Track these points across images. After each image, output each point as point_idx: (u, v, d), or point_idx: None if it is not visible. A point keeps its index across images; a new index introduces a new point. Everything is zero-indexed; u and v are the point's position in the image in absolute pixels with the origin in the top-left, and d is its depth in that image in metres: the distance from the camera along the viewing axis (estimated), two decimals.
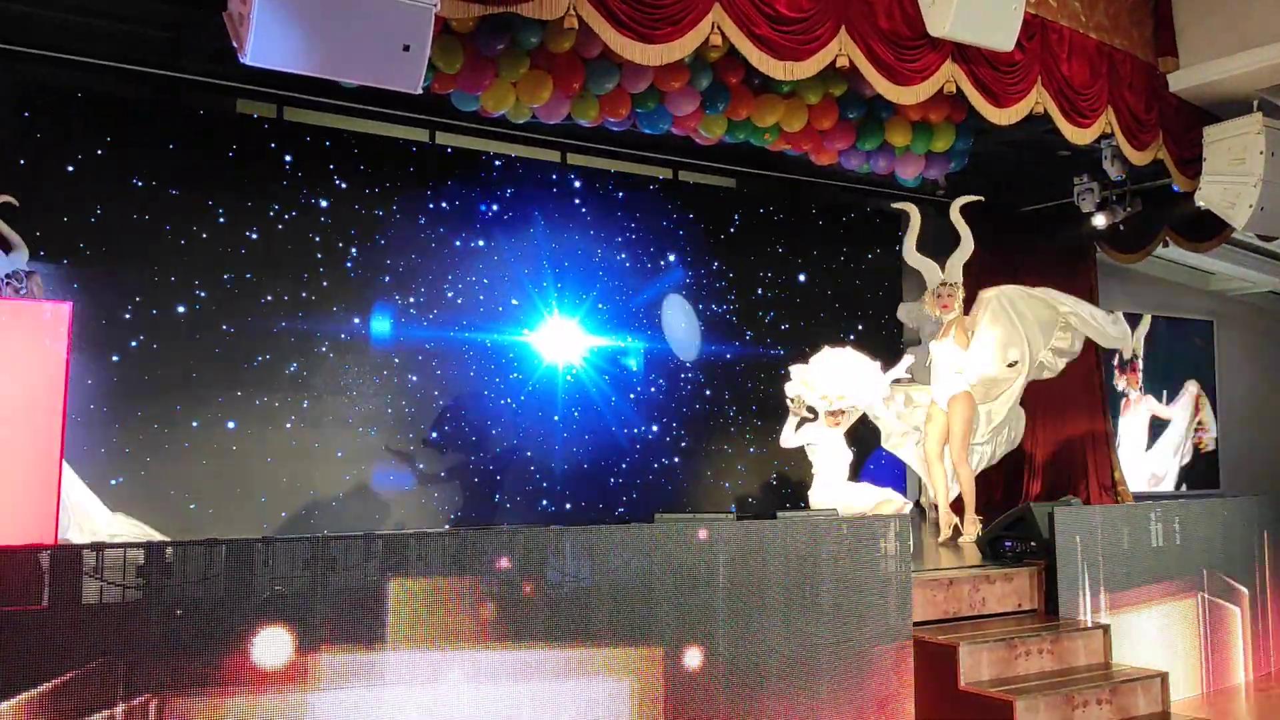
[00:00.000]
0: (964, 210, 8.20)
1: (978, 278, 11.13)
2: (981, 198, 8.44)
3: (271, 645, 3.76)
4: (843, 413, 7.55)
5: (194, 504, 7.65)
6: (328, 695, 3.83)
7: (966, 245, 8.16)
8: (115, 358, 7.50)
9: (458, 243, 8.90)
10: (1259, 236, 9.82)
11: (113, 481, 7.38)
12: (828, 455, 7.53)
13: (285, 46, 4.82)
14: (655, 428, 9.66)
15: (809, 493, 7.72)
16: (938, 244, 11.65)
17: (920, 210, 8.40)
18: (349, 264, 8.42)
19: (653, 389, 9.71)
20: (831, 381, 7.51)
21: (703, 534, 4.72)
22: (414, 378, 8.63)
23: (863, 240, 11.10)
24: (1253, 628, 7.30)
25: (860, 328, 10.97)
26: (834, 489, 7.44)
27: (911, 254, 8.30)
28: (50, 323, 5.79)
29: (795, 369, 7.70)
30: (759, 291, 10.37)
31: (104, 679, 3.50)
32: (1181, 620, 6.76)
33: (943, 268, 8.13)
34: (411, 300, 8.66)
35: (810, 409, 7.59)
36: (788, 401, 7.65)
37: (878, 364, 7.74)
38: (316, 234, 8.30)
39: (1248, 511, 7.49)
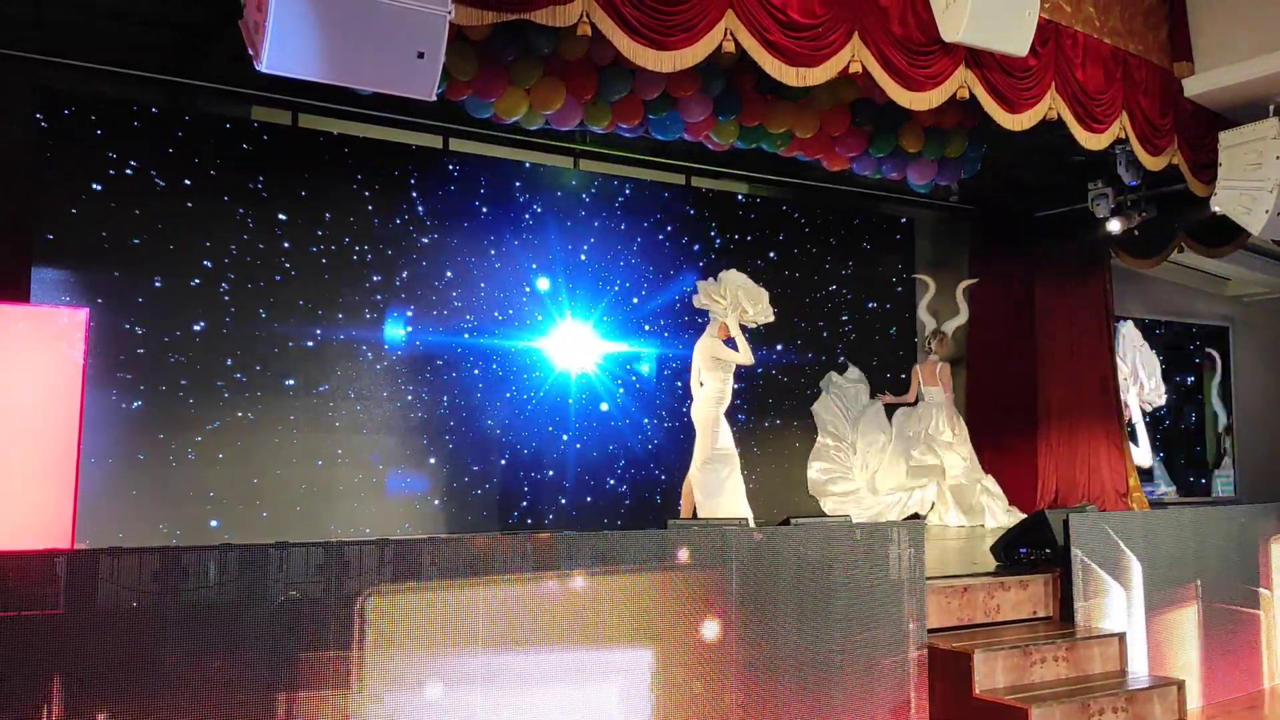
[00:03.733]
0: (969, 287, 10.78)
1: (995, 284, 11.19)
2: (977, 279, 10.94)
3: None
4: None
5: (207, 509, 7.68)
6: (341, 700, 3.84)
7: (963, 317, 10.73)
8: (129, 363, 7.54)
9: (469, 248, 8.92)
10: (1275, 241, 9.78)
11: (126, 487, 7.42)
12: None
13: (301, 54, 4.84)
14: (669, 432, 9.66)
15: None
16: (948, 254, 11.71)
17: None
18: (363, 270, 8.46)
19: (665, 394, 9.71)
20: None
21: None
22: (427, 382, 8.66)
23: (875, 245, 11.10)
24: (1272, 635, 7.25)
25: (871, 334, 10.98)
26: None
27: (923, 311, 10.73)
28: (67, 328, 5.84)
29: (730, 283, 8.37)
30: (770, 297, 10.34)
31: (119, 684, 3.51)
32: (1199, 627, 6.72)
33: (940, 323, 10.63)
34: (424, 306, 8.69)
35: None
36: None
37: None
38: (330, 240, 8.34)
39: (1266, 517, 7.44)
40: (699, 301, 8.38)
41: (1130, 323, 12.04)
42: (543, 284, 9.20)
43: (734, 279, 8.32)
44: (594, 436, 9.35)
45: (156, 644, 3.59)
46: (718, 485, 8.06)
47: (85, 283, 7.43)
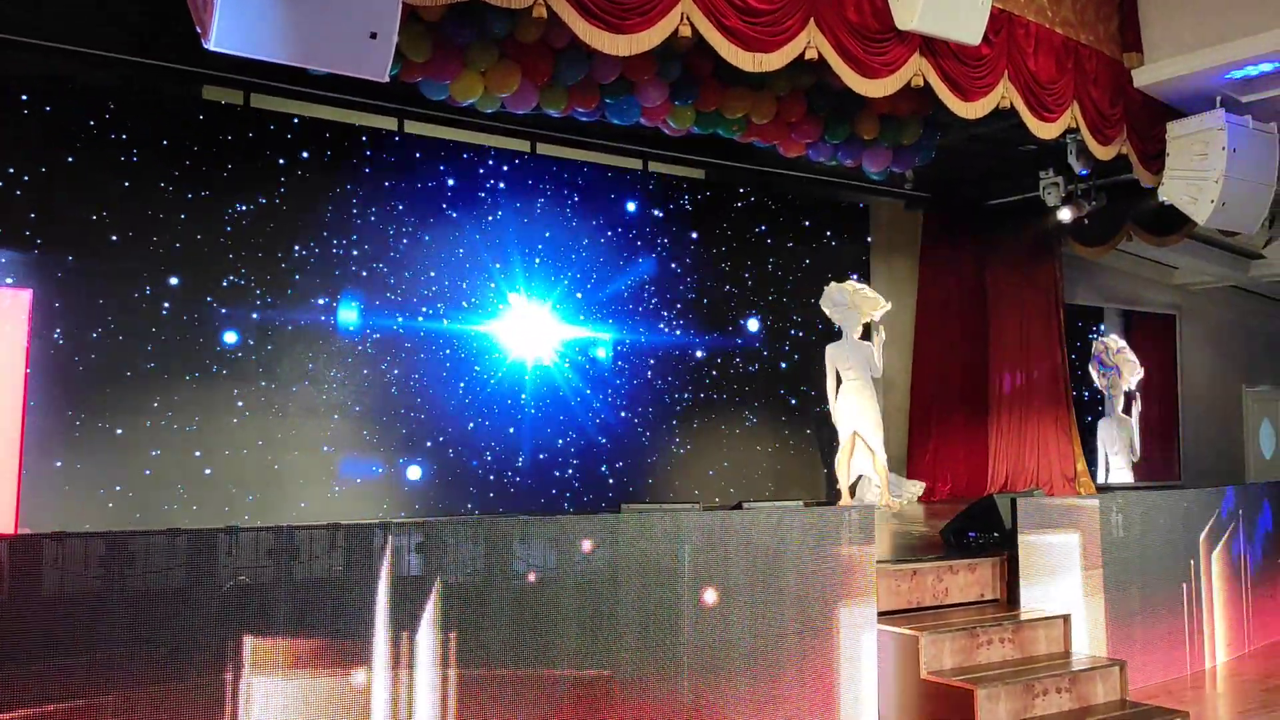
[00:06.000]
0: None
1: (947, 270, 11.30)
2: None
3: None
4: None
5: (157, 493, 7.59)
6: (290, 684, 3.82)
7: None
8: (78, 346, 7.42)
9: (425, 232, 8.86)
10: (1220, 232, 9.94)
11: (72, 472, 7.32)
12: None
13: (250, 32, 4.76)
14: (623, 417, 9.68)
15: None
16: (902, 241, 11.79)
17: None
18: (316, 252, 8.37)
19: (621, 379, 9.73)
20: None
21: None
22: (381, 366, 8.60)
23: (831, 231, 11.16)
24: (1213, 616, 7.42)
25: (826, 320, 11.03)
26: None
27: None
28: (10, 310, 5.73)
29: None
30: (727, 282, 10.41)
31: (65, 670, 3.47)
32: (1142, 609, 6.86)
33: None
34: (378, 289, 8.62)
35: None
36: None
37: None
38: (283, 221, 8.24)
39: (1208, 502, 7.60)
40: (866, 309, 9.39)
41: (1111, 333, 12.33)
42: (497, 267, 9.17)
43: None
44: (550, 420, 9.37)
45: (103, 630, 3.55)
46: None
47: (30, 263, 7.29)
